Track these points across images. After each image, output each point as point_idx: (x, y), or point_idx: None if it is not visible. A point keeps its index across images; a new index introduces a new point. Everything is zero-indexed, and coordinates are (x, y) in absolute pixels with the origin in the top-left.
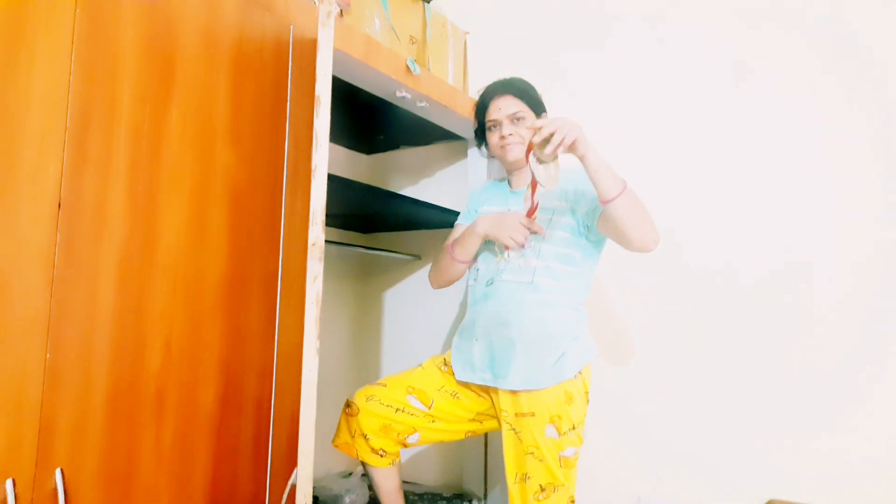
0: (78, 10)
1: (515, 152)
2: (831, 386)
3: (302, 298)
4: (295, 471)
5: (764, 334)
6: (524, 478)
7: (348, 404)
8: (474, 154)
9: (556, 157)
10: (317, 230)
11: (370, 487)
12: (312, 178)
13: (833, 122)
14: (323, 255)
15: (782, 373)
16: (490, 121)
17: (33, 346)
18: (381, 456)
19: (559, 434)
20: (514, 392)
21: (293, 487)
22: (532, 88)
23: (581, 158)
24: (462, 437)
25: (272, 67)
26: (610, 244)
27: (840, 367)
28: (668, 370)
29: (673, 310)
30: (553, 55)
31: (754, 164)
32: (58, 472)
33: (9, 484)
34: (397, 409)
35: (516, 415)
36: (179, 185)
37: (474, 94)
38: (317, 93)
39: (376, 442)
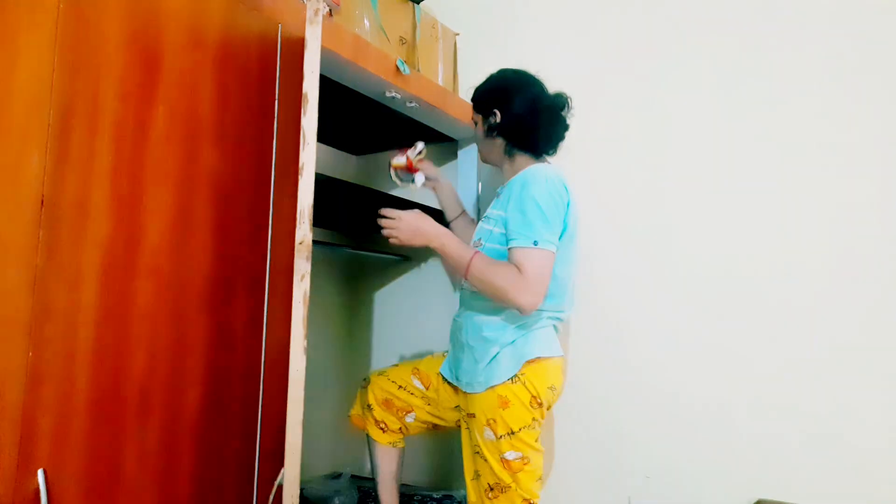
0: (61, 6)
1: (483, 160)
2: (820, 385)
3: (289, 298)
4: (282, 471)
5: (752, 333)
6: (476, 475)
7: (364, 378)
8: (464, 155)
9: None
10: (304, 229)
11: (359, 489)
12: (300, 177)
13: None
14: (311, 255)
15: (771, 372)
16: None
17: (14, 346)
18: (383, 430)
19: (495, 437)
20: (463, 393)
21: (279, 488)
22: (487, 85)
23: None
24: (453, 425)
25: (259, 66)
26: (586, 247)
27: (829, 366)
28: (656, 370)
29: (660, 310)
30: (543, 57)
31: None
32: (40, 472)
33: None
34: (400, 387)
35: (466, 414)
36: (164, 184)
37: (464, 95)
38: (304, 91)
39: (378, 413)
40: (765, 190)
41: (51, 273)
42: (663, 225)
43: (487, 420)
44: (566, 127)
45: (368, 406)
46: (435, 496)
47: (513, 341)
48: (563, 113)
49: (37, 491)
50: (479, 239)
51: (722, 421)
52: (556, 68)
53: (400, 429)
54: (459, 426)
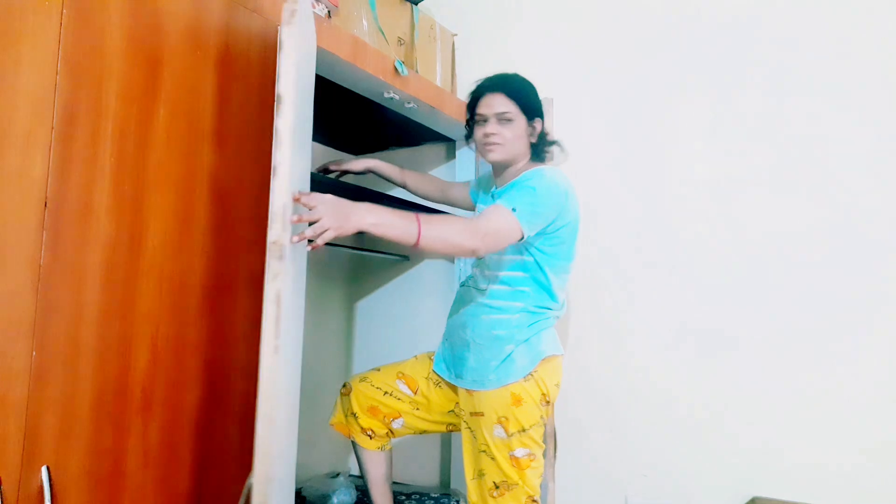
0: (65, 10)
1: (495, 154)
2: (815, 384)
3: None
4: (250, 476)
5: (748, 333)
6: (479, 474)
7: (344, 385)
8: (463, 155)
9: None
10: (277, 229)
11: (358, 488)
12: (273, 178)
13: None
14: (283, 254)
15: (766, 370)
16: (479, 115)
17: (19, 345)
18: (371, 437)
19: (507, 435)
20: (468, 391)
21: (250, 490)
22: (529, 90)
23: (365, 232)
24: (444, 428)
25: (259, 68)
26: (584, 247)
27: (824, 364)
28: (652, 369)
29: (657, 310)
30: (539, 57)
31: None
32: (44, 469)
33: None
34: (385, 392)
35: (471, 413)
36: (165, 186)
37: (462, 95)
38: (278, 92)
39: (365, 421)
40: (764, 191)
41: (54, 273)
42: (661, 224)
43: (499, 418)
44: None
45: (353, 414)
46: (432, 495)
47: (527, 339)
48: None
49: (41, 488)
50: None
51: (718, 419)
52: (552, 69)
53: (387, 433)
54: (450, 430)
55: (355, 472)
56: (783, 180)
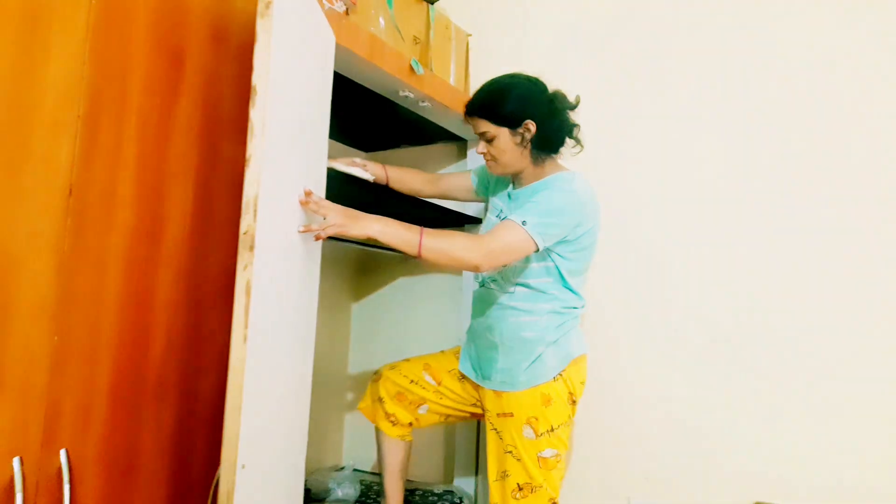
0: (93, 2)
1: (493, 170)
2: (821, 388)
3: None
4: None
5: (752, 336)
6: (503, 475)
7: (375, 372)
8: (474, 154)
9: None
10: (248, 219)
11: (362, 482)
12: (246, 168)
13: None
14: (254, 244)
15: (771, 375)
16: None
17: (41, 330)
18: (393, 424)
19: (536, 435)
20: (496, 392)
21: (217, 481)
22: (504, 99)
23: (369, 239)
24: (467, 416)
25: None
26: (603, 246)
27: (831, 370)
28: (657, 372)
29: (662, 311)
30: (554, 58)
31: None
32: (62, 452)
33: (16, 462)
34: (412, 381)
35: (497, 414)
36: (185, 176)
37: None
38: (253, 83)
39: (390, 406)
40: (773, 194)
41: (77, 260)
42: (671, 225)
43: (528, 418)
44: (573, 121)
45: (380, 399)
46: (436, 491)
47: (556, 340)
48: (572, 108)
49: (59, 470)
50: None
51: (721, 422)
52: (567, 70)
53: (410, 423)
54: (474, 417)
55: (360, 466)
56: (812, 179)
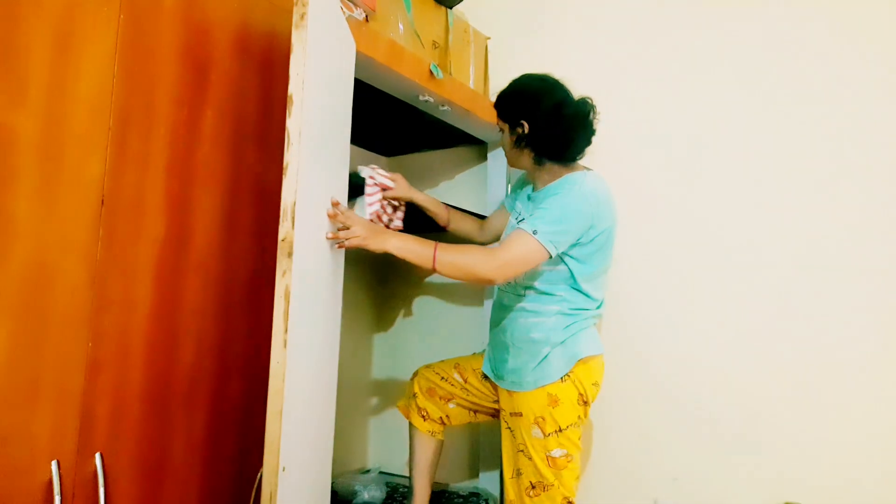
0: (122, 17)
1: (508, 164)
2: (852, 389)
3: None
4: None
5: (781, 336)
6: (517, 474)
7: (415, 372)
8: (494, 157)
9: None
10: (287, 226)
11: (387, 485)
12: (284, 177)
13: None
14: (293, 251)
15: (801, 375)
16: None
17: (76, 337)
18: (424, 419)
19: (544, 435)
20: (508, 392)
21: (260, 480)
22: (510, 96)
23: (386, 253)
24: (492, 412)
25: None
26: (621, 244)
27: (862, 369)
28: (683, 371)
29: (687, 311)
30: (573, 60)
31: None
32: (97, 456)
33: (54, 465)
34: (442, 377)
35: (510, 413)
36: (212, 186)
37: (495, 97)
38: (290, 92)
39: (421, 401)
40: (798, 191)
41: (109, 268)
42: (693, 226)
43: (536, 418)
44: (593, 132)
45: (413, 395)
46: (461, 493)
47: (563, 341)
48: (589, 118)
49: (94, 473)
50: None
51: (749, 422)
52: (586, 72)
53: (441, 419)
54: (497, 416)
55: (386, 469)
56: (847, 178)
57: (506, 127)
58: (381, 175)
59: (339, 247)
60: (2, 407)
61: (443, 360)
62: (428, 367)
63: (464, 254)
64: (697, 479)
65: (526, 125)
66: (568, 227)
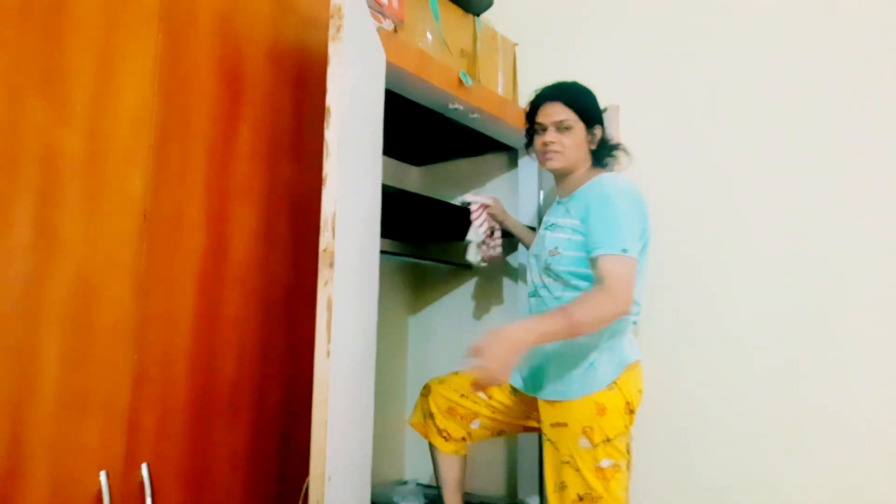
0: (160, 36)
1: (554, 162)
2: (887, 403)
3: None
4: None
5: (817, 350)
6: (561, 487)
7: (424, 387)
8: (525, 164)
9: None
10: (327, 237)
11: (425, 496)
12: (324, 187)
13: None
14: (334, 261)
15: (837, 387)
16: (538, 124)
17: (122, 350)
18: (446, 439)
19: (592, 445)
20: (549, 402)
21: (307, 489)
22: (587, 97)
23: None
24: (520, 430)
25: None
26: (660, 252)
27: None
28: (720, 383)
29: (722, 325)
30: (601, 66)
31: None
32: (144, 466)
33: (102, 476)
34: (462, 395)
35: (551, 425)
36: (248, 199)
37: (523, 104)
38: (327, 104)
39: (441, 422)
40: (840, 201)
41: (152, 281)
42: (736, 229)
43: (584, 428)
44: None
45: (431, 414)
46: None
47: (608, 348)
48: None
49: (141, 484)
50: (556, 248)
51: (787, 438)
52: (615, 76)
53: (463, 437)
54: (528, 431)
55: (423, 480)
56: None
57: (580, 125)
58: (480, 197)
59: (483, 389)
60: (52, 419)
61: (456, 374)
62: (441, 382)
63: (587, 307)
64: (733, 490)
65: (600, 131)
66: (637, 229)
